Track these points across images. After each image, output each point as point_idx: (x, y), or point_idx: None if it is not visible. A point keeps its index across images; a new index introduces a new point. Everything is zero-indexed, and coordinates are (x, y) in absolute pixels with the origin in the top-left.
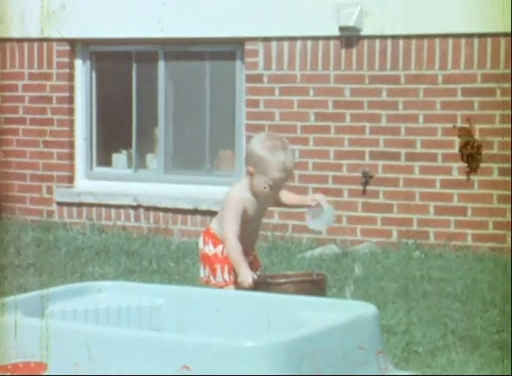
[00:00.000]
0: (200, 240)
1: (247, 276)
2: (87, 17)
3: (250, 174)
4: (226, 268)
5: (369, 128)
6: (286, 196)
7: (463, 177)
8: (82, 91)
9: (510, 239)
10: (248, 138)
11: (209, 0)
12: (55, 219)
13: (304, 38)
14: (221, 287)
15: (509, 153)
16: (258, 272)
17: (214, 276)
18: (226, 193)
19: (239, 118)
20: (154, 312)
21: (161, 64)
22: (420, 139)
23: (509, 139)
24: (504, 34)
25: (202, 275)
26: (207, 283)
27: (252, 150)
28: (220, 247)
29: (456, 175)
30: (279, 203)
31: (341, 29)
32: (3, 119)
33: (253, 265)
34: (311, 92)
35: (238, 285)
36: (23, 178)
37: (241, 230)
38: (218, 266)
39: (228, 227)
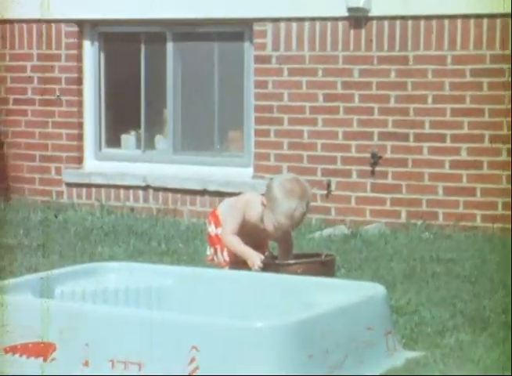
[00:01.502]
0: (207, 219)
1: (256, 259)
2: None
3: (263, 206)
4: (226, 248)
5: (378, 109)
6: (285, 241)
7: (472, 158)
8: (91, 72)
9: None
10: (258, 119)
11: None
12: (65, 200)
13: (313, 19)
14: (222, 266)
15: None
16: (266, 253)
17: (216, 255)
18: (244, 194)
19: (248, 99)
20: (163, 293)
21: (170, 45)
22: (428, 120)
23: None
24: None
25: (208, 253)
26: (212, 262)
27: (271, 185)
28: (220, 229)
29: (464, 156)
30: (280, 243)
31: (350, 10)
32: (12, 100)
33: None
34: (320, 73)
35: (236, 265)
36: (32, 159)
37: (245, 231)
38: (218, 247)
39: (228, 224)
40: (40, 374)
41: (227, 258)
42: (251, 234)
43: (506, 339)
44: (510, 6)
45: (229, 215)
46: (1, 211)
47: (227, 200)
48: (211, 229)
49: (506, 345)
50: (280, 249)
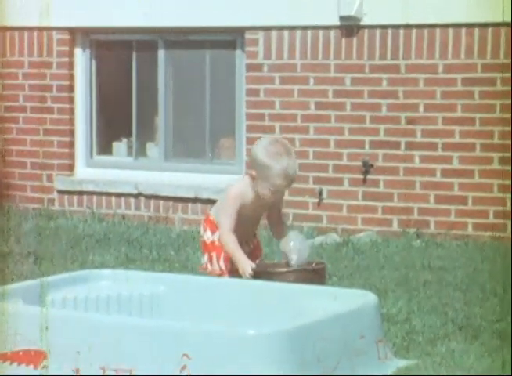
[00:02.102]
0: (201, 227)
1: (247, 266)
2: (87, 6)
3: (253, 178)
4: (222, 256)
5: (370, 118)
6: (277, 223)
7: (464, 166)
8: (82, 79)
9: (510, 228)
10: (249, 127)
11: None
12: (56, 207)
13: (305, 28)
14: (217, 274)
15: (509, 142)
16: (258, 261)
17: (211, 263)
18: (228, 186)
19: (240, 107)
20: (155, 301)
21: (161, 53)
22: (420, 129)
23: (508, 128)
24: (505, 24)
25: (202, 262)
26: (205, 270)
27: (255, 155)
28: (217, 234)
29: (456, 165)
30: (270, 211)
31: (342, 18)
32: (3, 107)
33: (254, 252)
34: (312, 81)
35: (233, 274)
36: (24, 167)
37: (240, 223)
38: (214, 254)
39: (224, 222)
40: None
41: (223, 266)
42: (242, 223)
43: (497, 347)
44: (503, 15)
45: (223, 213)
46: None
47: (217, 203)
48: (207, 236)
49: (498, 353)
50: (273, 223)
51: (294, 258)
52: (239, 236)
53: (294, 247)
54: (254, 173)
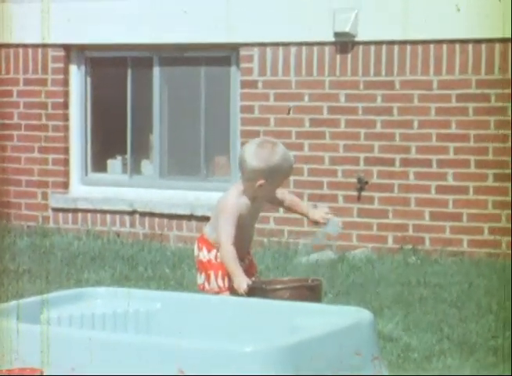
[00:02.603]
0: (195, 246)
1: (242, 282)
2: (82, 23)
3: (260, 185)
4: (220, 274)
5: (364, 134)
6: (290, 199)
7: (458, 183)
8: (77, 96)
9: (505, 244)
10: (244, 144)
11: (204, 6)
12: (51, 225)
13: (299, 44)
14: (215, 293)
15: (504, 158)
16: (254, 278)
17: (209, 282)
18: (220, 199)
19: (234, 124)
20: (151, 318)
21: (156, 70)
22: (414, 145)
23: (503, 144)
24: (499, 40)
25: (199, 282)
26: (203, 290)
27: (257, 165)
28: (213, 253)
29: (450, 181)
30: (273, 201)
31: (336, 35)
32: None
33: (249, 269)
34: (306, 98)
35: (233, 291)
36: (19, 184)
37: (236, 235)
38: (211, 272)
39: (223, 233)
40: None
41: (221, 284)
42: (241, 233)
43: (493, 364)
44: (497, 31)
45: (221, 227)
46: None
47: (210, 221)
48: (203, 255)
49: (494, 370)
50: (293, 208)
51: (328, 229)
52: (236, 251)
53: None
54: (262, 181)
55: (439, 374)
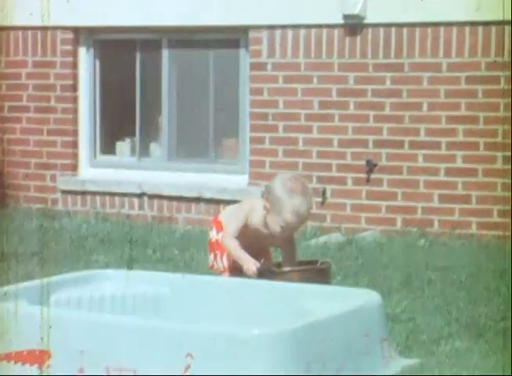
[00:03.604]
0: (210, 226)
1: (251, 265)
2: (90, 5)
3: (266, 210)
4: (225, 254)
5: (373, 116)
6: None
7: (467, 165)
8: (86, 79)
9: None
10: (253, 126)
11: None
12: (60, 207)
13: (308, 26)
14: (220, 272)
15: None
16: (263, 260)
17: (216, 261)
18: (248, 198)
19: (243, 106)
20: (159, 301)
21: (165, 52)
22: (423, 127)
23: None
24: (509, 22)
25: (210, 261)
26: (212, 269)
27: (272, 187)
28: (221, 234)
29: (460, 163)
30: (284, 249)
31: (346, 17)
32: (7, 107)
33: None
34: (315, 80)
35: (233, 272)
36: (27, 167)
37: (246, 236)
38: (218, 252)
39: (230, 225)
40: None
41: (225, 264)
42: (253, 240)
43: (501, 346)
44: (507, 14)
45: (232, 218)
46: None
47: (230, 207)
48: (212, 235)
49: (503, 352)
50: (285, 255)
51: None
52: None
53: None
54: (267, 205)
55: (447, 356)
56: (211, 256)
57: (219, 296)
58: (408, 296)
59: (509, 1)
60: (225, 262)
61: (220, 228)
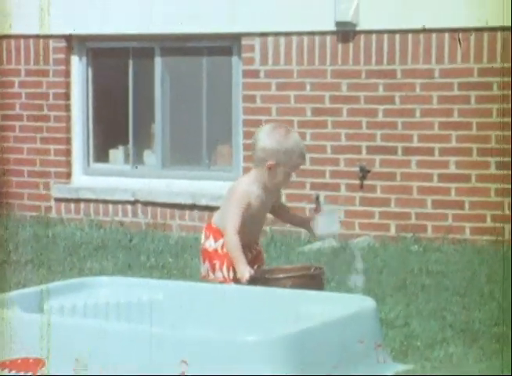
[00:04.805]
0: (203, 234)
1: (245, 271)
2: (83, 14)
3: (270, 168)
4: (225, 264)
5: (366, 123)
6: (286, 214)
7: (461, 171)
8: (79, 87)
9: (508, 231)
10: (246, 133)
11: None
12: (53, 215)
13: (301, 34)
14: (220, 282)
15: (505, 146)
16: (256, 267)
17: (213, 271)
18: (232, 187)
19: (236, 113)
20: (154, 308)
21: (158, 60)
22: (416, 134)
23: (505, 132)
24: (501, 28)
25: (202, 271)
26: (205, 279)
27: (269, 145)
28: (220, 242)
29: (453, 169)
30: (275, 212)
31: (338, 24)
32: (0, 116)
33: (256, 260)
34: (308, 87)
35: (237, 281)
36: (21, 175)
37: (245, 224)
38: (217, 262)
39: (230, 221)
40: None
41: (226, 275)
42: (250, 223)
43: (496, 351)
44: (499, 20)
45: (229, 213)
46: None
47: (219, 210)
48: (209, 244)
49: (497, 357)
50: (282, 212)
51: (319, 230)
52: (243, 241)
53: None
54: (272, 163)
55: (442, 361)
56: (205, 266)
57: (214, 303)
58: (402, 301)
59: (503, 8)
60: (226, 272)
61: (217, 235)
